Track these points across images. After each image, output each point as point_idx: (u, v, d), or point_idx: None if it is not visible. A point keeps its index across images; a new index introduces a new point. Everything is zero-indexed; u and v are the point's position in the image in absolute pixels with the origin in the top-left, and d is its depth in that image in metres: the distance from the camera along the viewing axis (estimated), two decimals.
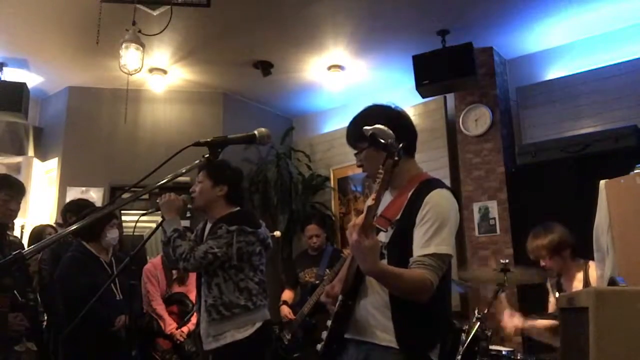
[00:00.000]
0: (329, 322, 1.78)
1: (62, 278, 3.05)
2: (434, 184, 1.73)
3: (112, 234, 3.16)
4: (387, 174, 1.46)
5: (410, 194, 1.71)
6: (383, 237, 1.66)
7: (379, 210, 1.64)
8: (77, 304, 2.82)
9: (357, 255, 1.51)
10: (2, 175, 2.97)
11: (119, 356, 3.07)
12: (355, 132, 1.77)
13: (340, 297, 1.73)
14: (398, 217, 1.69)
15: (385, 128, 1.48)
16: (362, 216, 1.46)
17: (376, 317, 1.67)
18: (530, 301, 4.06)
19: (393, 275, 1.55)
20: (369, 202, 1.49)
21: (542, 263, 2.91)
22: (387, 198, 1.77)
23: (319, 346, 1.79)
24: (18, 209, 2.85)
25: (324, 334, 1.79)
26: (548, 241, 2.85)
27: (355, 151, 1.83)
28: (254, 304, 2.43)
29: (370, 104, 1.86)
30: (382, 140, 1.47)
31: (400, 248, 1.65)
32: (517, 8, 4.11)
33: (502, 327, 3.02)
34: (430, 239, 1.59)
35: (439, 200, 1.66)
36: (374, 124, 1.55)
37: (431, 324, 1.66)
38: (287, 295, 4.18)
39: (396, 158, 1.45)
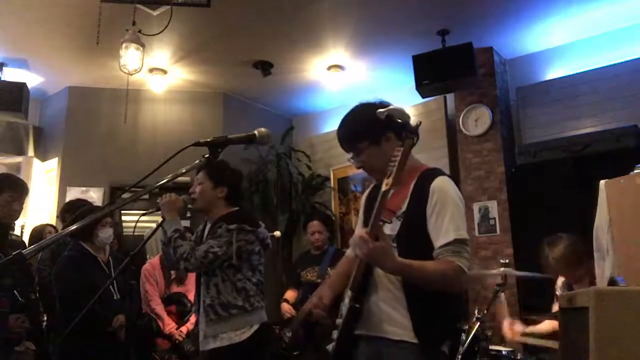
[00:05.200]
0: (338, 321, 1.78)
1: (58, 277, 3.04)
2: (435, 172, 1.75)
3: (104, 233, 3.13)
4: (405, 155, 1.47)
5: (412, 185, 1.72)
6: (388, 229, 1.66)
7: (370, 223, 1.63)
8: (73, 303, 2.82)
9: (375, 262, 1.55)
10: (5, 175, 2.97)
11: (117, 356, 3.07)
12: (353, 132, 1.79)
13: (349, 294, 1.73)
14: (404, 208, 1.70)
15: (401, 108, 1.47)
16: (368, 229, 1.50)
17: (386, 312, 1.68)
18: (530, 301, 4.06)
19: (417, 268, 1.56)
20: (383, 187, 1.50)
21: (563, 275, 2.85)
22: None
23: (329, 346, 1.78)
24: (21, 209, 2.84)
25: (334, 333, 1.78)
26: (567, 252, 2.74)
27: (352, 153, 1.82)
28: (251, 305, 2.42)
29: (355, 104, 1.87)
30: (400, 120, 1.46)
31: (410, 239, 1.66)
32: (517, 8, 4.11)
33: (504, 335, 3.01)
34: (448, 226, 1.61)
35: (445, 187, 1.67)
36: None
37: (446, 316, 1.68)
38: (290, 294, 4.17)
39: (415, 138, 1.45)
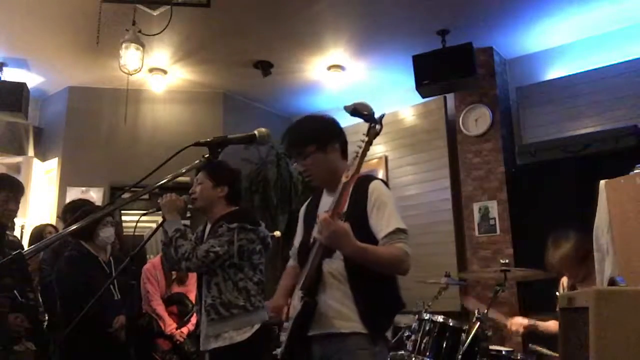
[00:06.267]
0: (286, 324, 1.82)
1: (59, 277, 3.04)
2: (370, 178, 1.95)
3: (105, 233, 3.14)
4: (368, 144, 1.62)
5: (351, 189, 1.85)
6: None
7: (329, 209, 1.73)
8: (74, 303, 2.83)
9: (337, 242, 1.64)
10: (1, 175, 2.97)
11: (117, 356, 3.07)
12: (302, 136, 1.96)
13: (300, 294, 1.79)
14: (345, 209, 1.80)
15: (364, 102, 1.64)
16: (330, 210, 1.63)
17: (335, 309, 1.78)
18: (530, 301, 4.06)
19: (371, 251, 1.71)
20: (343, 179, 1.64)
21: (567, 274, 2.83)
22: (327, 200, 1.92)
23: (278, 350, 1.80)
24: (17, 209, 2.85)
25: (283, 337, 1.81)
26: (572, 250, 2.72)
27: (298, 158, 1.95)
28: (252, 305, 2.42)
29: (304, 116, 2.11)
30: (365, 112, 1.62)
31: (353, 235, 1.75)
32: (517, 8, 4.11)
33: (508, 330, 3.01)
34: (388, 219, 1.79)
35: (380, 189, 1.87)
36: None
37: (388, 304, 1.84)
38: None
39: (378, 127, 1.62)
